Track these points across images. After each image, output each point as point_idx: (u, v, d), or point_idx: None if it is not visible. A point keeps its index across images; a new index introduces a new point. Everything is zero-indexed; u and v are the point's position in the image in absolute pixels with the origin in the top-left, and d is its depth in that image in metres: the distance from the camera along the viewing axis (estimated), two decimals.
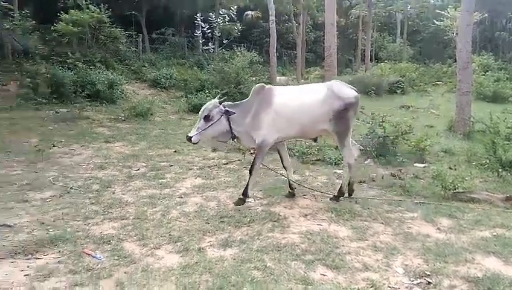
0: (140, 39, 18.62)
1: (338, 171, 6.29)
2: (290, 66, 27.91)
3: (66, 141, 7.80)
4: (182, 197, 5.01)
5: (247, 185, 4.79)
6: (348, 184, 4.99)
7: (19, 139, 7.94)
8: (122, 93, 12.94)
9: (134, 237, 3.86)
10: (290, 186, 5.09)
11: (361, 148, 6.18)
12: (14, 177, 5.61)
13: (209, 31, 18.78)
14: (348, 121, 4.66)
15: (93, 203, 4.78)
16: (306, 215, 4.47)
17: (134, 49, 17.53)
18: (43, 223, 4.13)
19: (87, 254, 3.50)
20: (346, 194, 5.02)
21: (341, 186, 4.98)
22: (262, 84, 4.84)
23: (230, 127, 4.64)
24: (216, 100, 4.69)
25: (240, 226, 4.15)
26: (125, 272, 3.23)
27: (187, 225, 4.18)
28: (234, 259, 3.42)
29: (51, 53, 14.16)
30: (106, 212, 4.49)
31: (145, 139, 8.39)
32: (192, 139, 4.52)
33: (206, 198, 5.01)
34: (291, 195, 5.05)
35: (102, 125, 9.68)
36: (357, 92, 4.81)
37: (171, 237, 3.86)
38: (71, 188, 5.26)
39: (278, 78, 21.55)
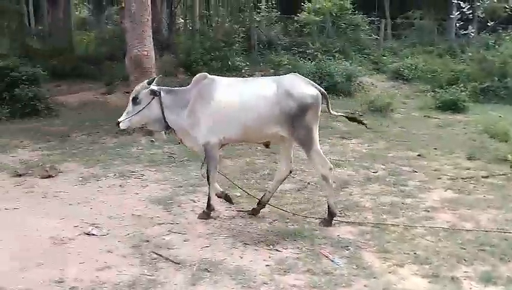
0: (383, 25, 18.62)
1: None
2: None
3: None
4: (428, 211, 4.78)
5: (209, 197, 4.54)
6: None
7: None
8: (360, 85, 13.23)
9: (374, 248, 3.90)
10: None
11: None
12: (257, 166, 6.47)
13: (470, 11, 17.13)
14: (309, 126, 4.24)
15: None
16: None
17: (375, 36, 17.66)
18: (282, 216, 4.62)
19: (324, 255, 3.72)
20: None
21: (329, 207, 4.38)
22: (205, 73, 4.56)
23: (163, 114, 4.38)
24: (145, 81, 4.50)
25: (508, 261, 3.65)
26: (365, 285, 3.29)
27: (436, 245, 3.96)
28: None
29: (292, 44, 15.72)
30: (343, 215, 4.67)
31: (383, 138, 8.35)
32: (120, 125, 4.44)
33: (460, 217, 4.64)
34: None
35: (338, 120, 10.11)
36: (320, 90, 4.32)
37: (417, 257, 3.72)
38: (308, 183, 5.69)
39: None
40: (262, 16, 16.13)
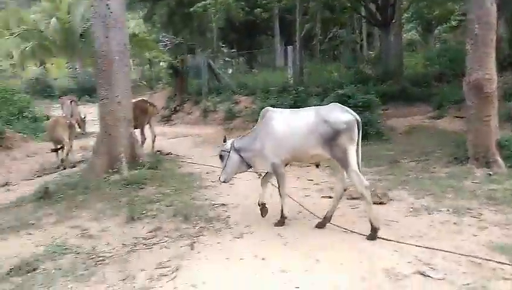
0: None
1: None
2: None
3: None
4: None
5: (282, 208, 5.35)
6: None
7: None
8: None
9: None
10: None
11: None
12: None
13: None
14: (343, 147, 4.79)
15: None
16: None
17: None
18: None
19: None
20: None
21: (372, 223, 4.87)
22: (268, 107, 5.46)
23: (242, 158, 5.39)
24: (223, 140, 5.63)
25: None
26: None
27: None
28: None
29: None
30: None
31: None
32: (220, 179, 5.55)
33: None
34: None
35: None
36: (354, 116, 4.84)
37: None
38: None
39: None
40: None
